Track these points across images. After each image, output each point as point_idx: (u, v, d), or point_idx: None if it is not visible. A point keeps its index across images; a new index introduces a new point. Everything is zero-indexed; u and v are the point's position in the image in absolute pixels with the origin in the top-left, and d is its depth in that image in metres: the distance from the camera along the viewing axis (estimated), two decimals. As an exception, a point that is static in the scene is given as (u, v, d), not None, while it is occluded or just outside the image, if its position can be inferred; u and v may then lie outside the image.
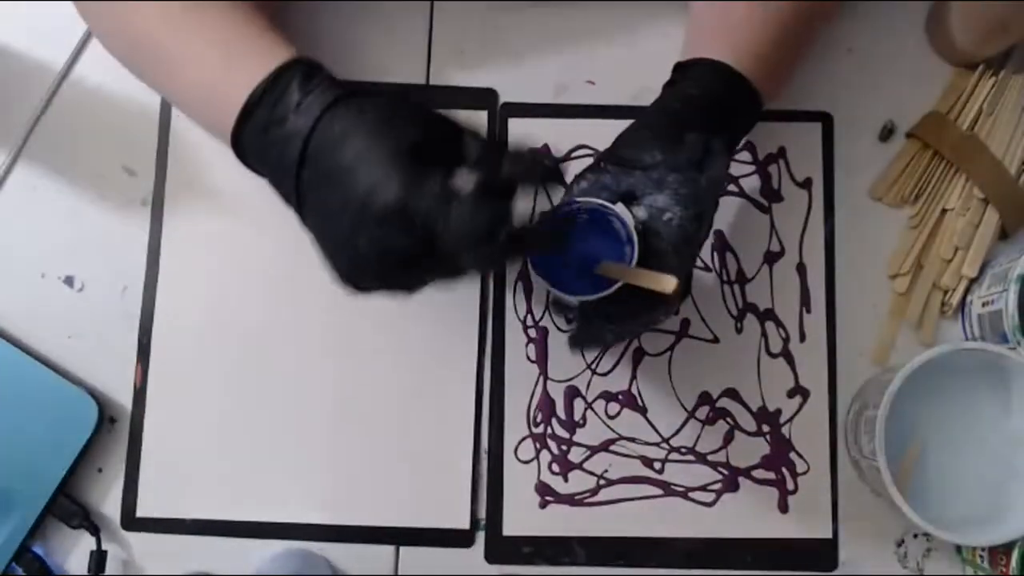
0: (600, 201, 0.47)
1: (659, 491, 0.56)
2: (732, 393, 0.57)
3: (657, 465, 0.56)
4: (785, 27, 0.50)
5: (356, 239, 0.39)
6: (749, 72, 0.48)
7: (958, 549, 0.56)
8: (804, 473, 0.56)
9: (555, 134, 0.59)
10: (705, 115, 0.47)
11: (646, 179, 0.46)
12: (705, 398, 0.57)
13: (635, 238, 0.46)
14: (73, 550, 0.56)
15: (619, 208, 0.47)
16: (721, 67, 0.48)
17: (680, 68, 0.50)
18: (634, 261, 0.46)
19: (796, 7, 0.50)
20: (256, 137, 0.42)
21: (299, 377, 0.57)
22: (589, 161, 0.58)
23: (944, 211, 0.57)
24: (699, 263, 0.58)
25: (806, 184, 0.59)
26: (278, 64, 0.42)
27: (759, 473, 0.56)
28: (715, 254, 0.58)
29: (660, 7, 0.59)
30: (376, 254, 0.39)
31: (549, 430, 0.57)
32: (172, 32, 0.46)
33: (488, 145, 0.41)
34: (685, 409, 0.57)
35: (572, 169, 0.58)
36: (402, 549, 0.56)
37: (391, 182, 0.37)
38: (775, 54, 0.50)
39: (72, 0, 0.51)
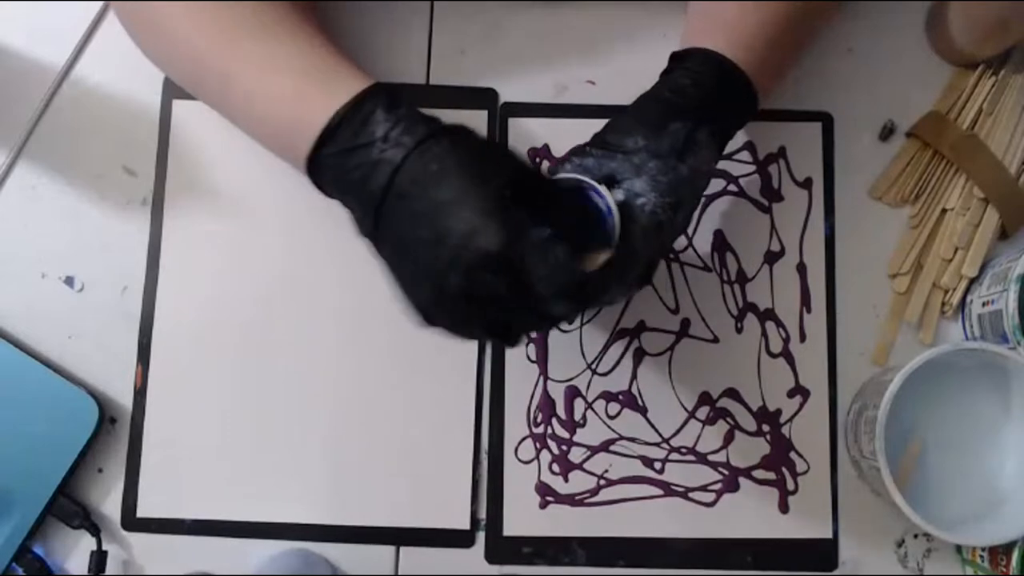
0: (578, 177, 0.45)
1: (659, 491, 0.56)
2: (732, 393, 0.57)
3: (657, 465, 0.56)
4: (783, 21, 0.50)
5: (447, 278, 0.39)
6: (744, 64, 0.48)
7: (958, 549, 0.56)
8: (804, 473, 0.56)
9: (555, 134, 0.59)
10: (693, 104, 0.47)
11: (627, 163, 0.46)
12: (705, 398, 0.57)
13: (615, 210, 0.44)
14: (73, 550, 0.56)
15: (600, 187, 0.46)
16: (715, 57, 0.48)
17: (675, 58, 0.50)
18: (616, 231, 0.44)
19: (795, 3, 0.50)
20: (336, 160, 0.43)
21: (299, 377, 0.57)
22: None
23: (944, 211, 0.57)
24: (699, 263, 0.58)
25: (806, 184, 0.59)
26: (361, 88, 0.43)
27: (759, 473, 0.56)
28: (715, 254, 0.58)
29: (660, 7, 0.59)
30: (466, 294, 0.39)
31: (549, 430, 0.57)
32: (244, 54, 0.46)
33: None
34: (685, 409, 0.57)
35: (572, 169, 0.58)
36: (402, 549, 0.56)
37: (492, 228, 0.38)
38: (771, 48, 0.49)
39: (119, 15, 0.51)
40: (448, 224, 0.39)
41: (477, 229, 0.38)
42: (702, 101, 0.47)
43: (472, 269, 0.39)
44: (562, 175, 0.46)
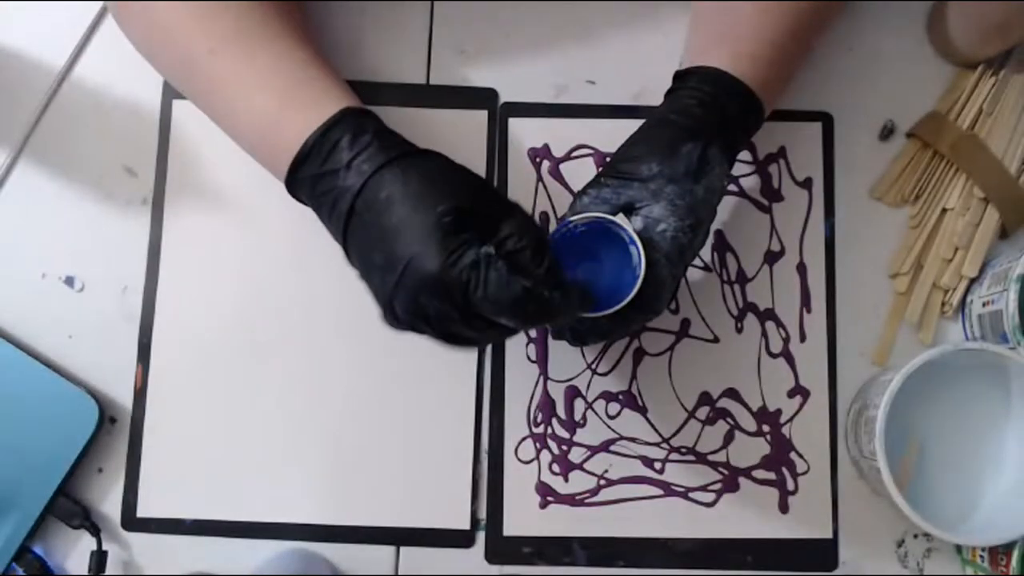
0: (596, 213, 0.47)
1: (659, 491, 0.56)
2: (732, 393, 0.57)
3: (657, 465, 0.56)
4: (786, 31, 0.50)
5: (395, 300, 0.42)
6: (748, 76, 0.48)
7: (958, 549, 0.56)
8: (804, 473, 0.56)
9: (555, 134, 0.59)
10: (701, 124, 0.47)
11: (644, 190, 0.47)
12: (705, 398, 0.57)
13: (638, 241, 0.46)
14: (73, 550, 0.56)
15: (619, 217, 0.47)
16: (718, 74, 0.48)
17: (678, 77, 0.50)
18: (643, 262, 0.46)
19: (798, 14, 0.50)
20: (308, 185, 0.45)
21: (299, 377, 0.57)
22: (589, 161, 0.58)
23: (944, 211, 0.57)
24: (699, 263, 0.58)
25: (806, 184, 0.59)
26: (328, 117, 0.45)
27: (759, 473, 0.56)
28: (715, 254, 0.58)
29: (661, 6, 0.59)
30: (411, 315, 0.42)
31: (549, 430, 0.57)
32: (228, 63, 0.48)
33: (526, 226, 0.42)
34: (685, 409, 0.57)
35: (572, 169, 0.58)
36: (402, 549, 0.56)
37: (430, 252, 0.40)
38: (776, 57, 0.49)
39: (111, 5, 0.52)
40: (394, 249, 0.41)
41: (417, 254, 0.40)
42: (709, 120, 0.47)
43: (415, 292, 0.41)
44: (580, 212, 0.47)
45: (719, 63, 0.48)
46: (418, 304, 0.41)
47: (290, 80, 0.47)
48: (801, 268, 0.58)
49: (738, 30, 0.50)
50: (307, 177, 0.45)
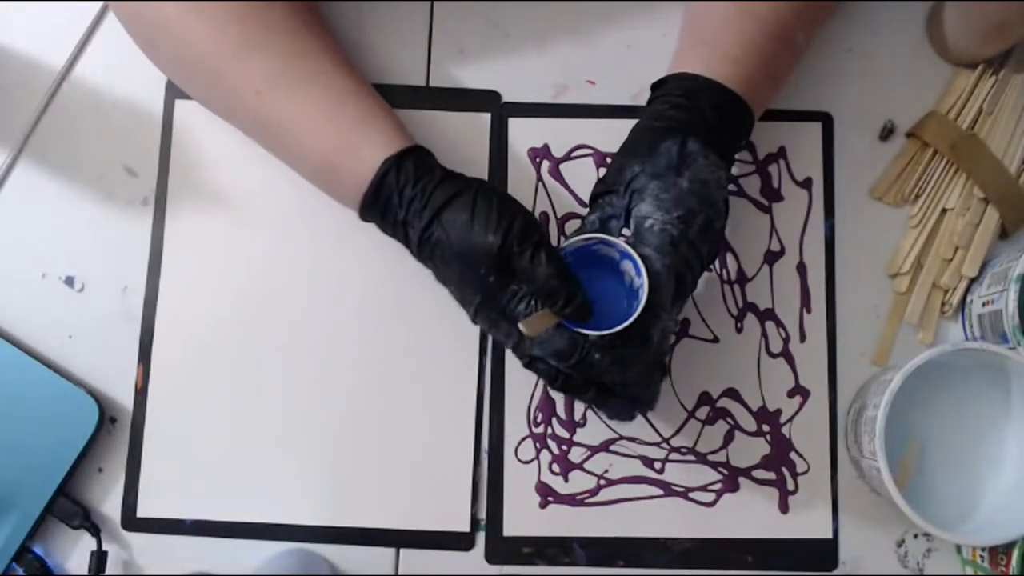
0: (578, 238, 0.48)
1: (659, 491, 0.56)
2: (732, 393, 0.57)
3: (657, 465, 0.56)
4: (766, 31, 0.50)
5: (475, 321, 0.50)
6: (730, 78, 0.49)
7: (958, 549, 0.56)
8: (804, 473, 0.56)
9: (555, 134, 0.59)
10: (676, 123, 0.48)
11: (631, 195, 0.48)
12: (705, 398, 0.57)
13: (630, 250, 0.46)
14: (73, 550, 0.56)
15: (608, 238, 0.48)
16: (691, 77, 0.49)
17: (655, 87, 0.51)
18: (643, 272, 0.46)
19: (777, 14, 0.50)
20: (375, 220, 0.50)
21: (300, 378, 0.57)
22: (589, 161, 0.58)
23: (944, 211, 0.57)
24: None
25: (806, 184, 0.59)
26: (377, 168, 0.48)
27: (759, 473, 0.56)
28: (715, 254, 0.58)
29: (660, 6, 0.59)
30: (488, 331, 0.51)
31: (549, 430, 0.57)
32: (276, 104, 0.50)
33: (554, 281, 0.46)
34: (685, 409, 0.57)
35: (572, 169, 0.58)
36: (402, 550, 0.56)
37: (471, 311, 0.49)
38: (758, 58, 0.50)
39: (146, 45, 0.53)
40: (463, 295, 0.49)
41: (482, 303, 0.49)
42: (684, 118, 0.48)
43: (486, 328, 0.50)
44: (570, 240, 0.48)
45: (692, 68, 0.49)
46: (492, 334, 0.50)
47: (341, 121, 0.49)
48: (801, 268, 0.58)
49: (713, 34, 0.50)
50: (375, 221, 0.50)
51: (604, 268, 0.49)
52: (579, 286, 0.46)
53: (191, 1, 0.49)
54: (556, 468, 0.56)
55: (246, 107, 0.50)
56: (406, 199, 0.48)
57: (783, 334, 0.57)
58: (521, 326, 0.46)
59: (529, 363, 0.48)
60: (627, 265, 0.48)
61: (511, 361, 0.57)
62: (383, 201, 0.48)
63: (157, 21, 0.50)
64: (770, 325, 0.57)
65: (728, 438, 0.57)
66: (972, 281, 0.57)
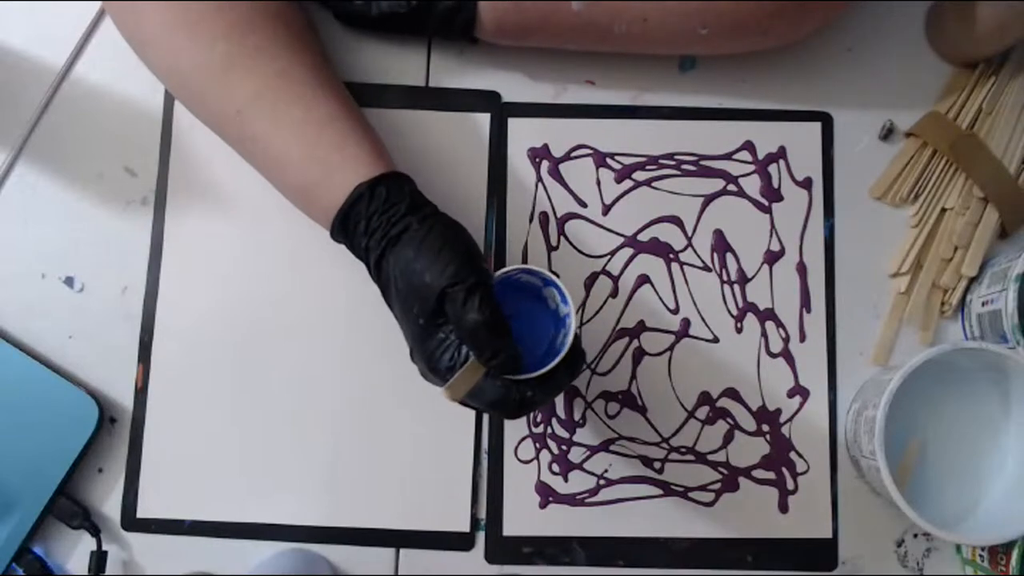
0: (502, 270, 0.47)
1: (659, 491, 0.56)
2: (732, 393, 0.57)
3: (657, 465, 0.56)
4: None
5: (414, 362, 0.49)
6: None
7: (958, 549, 0.56)
8: (804, 473, 0.56)
9: (555, 134, 0.59)
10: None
11: None
12: (705, 398, 0.57)
13: (553, 277, 0.46)
14: (73, 550, 0.56)
15: (532, 267, 0.47)
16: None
17: None
18: (568, 297, 0.46)
19: None
20: (345, 243, 0.50)
21: (300, 378, 0.57)
22: (588, 161, 0.59)
23: (944, 210, 0.57)
24: (699, 263, 0.58)
25: (806, 184, 0.59)
26: (348, 194, 0.48)
27: (759, 473, 0.56)
28: (715, 254, 0.58)
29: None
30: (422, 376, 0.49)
31: (549, 430, 0.57)
32: (256, 125, 0.50)
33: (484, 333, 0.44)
34: (685, 409, 0.57)
35: (571, 169, 0.58)
36: (402, 550, 0.56)
37: (416, 352, 0.47)
38: None
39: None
40: (403, 333, 0.48)
41: (411, 348, 0.48)
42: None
43: (421, 371, 0.48)
44: (495, 273, 0.47)
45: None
46: (425, 377, 0.48)
47: (319, 145, 0.49)
48: (801, 268, 0.58)
49: None
50: (345, 243, 0.50)
51: (527, 295, 0.49)
52: (509, 338, 0.44)
53: (180, 16, 0.49)
54: (556, 468, 0.56)
55: (229, 124, 0.51)
56: (372, 227, 0.47)
57: (783, 334, 0.57)
58: (444, 392, 0.43)
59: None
60: (550, 291, 0.48)
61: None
62: (351, 227, 0.48)
63: (148, 38, 0.51)
64: (770, 325, 0.57)
65: (728, 438, 0.57)
66: (972, 281, 0.57)
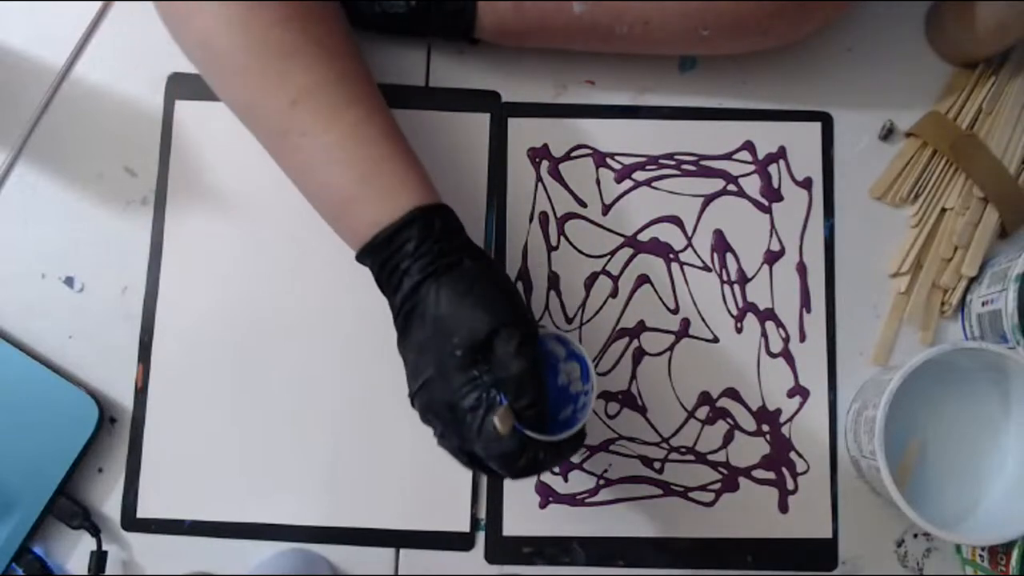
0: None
1: (659, 491, 0.56)
2: (732, 393, 0.57)
3: (657, 465, 0.56)
4: None
5: (413, 400, 0.47)
6: None
7: (958, 549, 0.56)
8: (804, 473, 0.56)
9: (555, 134, 0.59)
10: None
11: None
12: (705, 398, 0.57)
13: (583, 352, 0.47)
14: (73, 550, 0.56)
15: (564, 336, 0.48)
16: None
17: None
18: (592, 375, 0.47)
19: None
20: (373, 267, 0.48)
21: (300, 378, 0.57)
22: (588, 161, 0.59)
23: (944, 210, 0.57)
24: (699, 263, 0.58)
25: (806, 184, 0.59)
26: (400, 216, 0.46)
27: (759, 473, 0.56)
28: (715, 254, 0.58)
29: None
30: (422, 419, 0.47)
31: (549, 430, 0.57)
32: (315, 124, 0.47)
33: (527, 384, 0.44)
34: (685, 409, 0.57)
35: (571, 169, 0.58)
36: (402, 550, 0.56)
37: (439, 382, 0.45)
38: None
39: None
40: (418, 363, 0.46)
41: (430, 378, 0.45)
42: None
43: (426, 406, 0.46)
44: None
45: None
46: (427, 417, 0.46)
47: (369, 158, 0.47)
48: (801, 268, 0.58)
49: None
50: (373, 261, 0.47)
51: (544, 363, 0.48)
52: (545, 391, 0.45)
53: (237, 2, 0.46)
54: (556, 468, 0.56)
55: (279, 116, 0.47)
56: (421, 252, 0.45)
57: (783, 334, 0.57)
58: (496, 420, 0.43)
59: (462, 457, 0.46)
60: (571, 365, 0.48)
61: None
62: (394, 247, 0.46)
63: (193, 13, 0.47)
64: (770, 325, 0.57)
65: (728, 438, 0.57)
66: (972, 281, 0.57)
